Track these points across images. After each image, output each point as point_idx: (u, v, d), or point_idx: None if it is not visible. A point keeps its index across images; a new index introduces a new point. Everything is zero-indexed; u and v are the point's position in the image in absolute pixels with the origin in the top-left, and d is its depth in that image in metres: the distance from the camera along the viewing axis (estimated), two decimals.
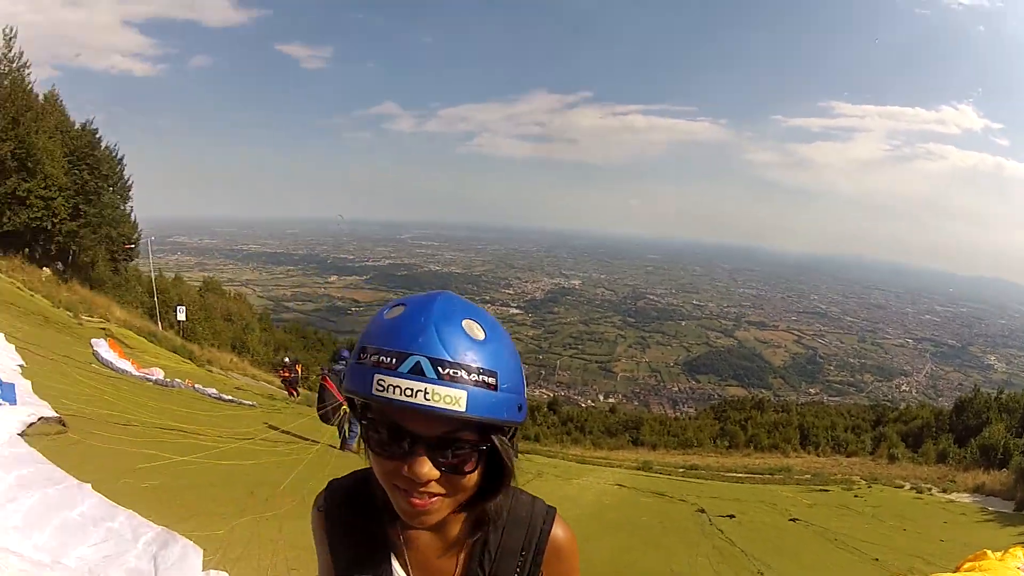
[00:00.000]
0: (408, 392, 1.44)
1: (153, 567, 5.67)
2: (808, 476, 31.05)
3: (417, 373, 1.45)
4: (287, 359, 37.57)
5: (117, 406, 13.72)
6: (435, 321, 1.51)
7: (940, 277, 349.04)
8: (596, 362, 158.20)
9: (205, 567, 6.04)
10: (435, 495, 1.57)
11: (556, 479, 17.50)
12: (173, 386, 21.39)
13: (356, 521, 1.87)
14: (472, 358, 1.50)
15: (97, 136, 47.81)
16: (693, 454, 45.70)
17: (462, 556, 1.86)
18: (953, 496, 25.16)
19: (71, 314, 29.90)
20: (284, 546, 7.66)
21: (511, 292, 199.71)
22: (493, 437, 1.57)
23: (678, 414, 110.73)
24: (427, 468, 1.51)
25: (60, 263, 45.09)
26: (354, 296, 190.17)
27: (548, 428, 59.99)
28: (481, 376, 1.49)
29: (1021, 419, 41.90)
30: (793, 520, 16.73)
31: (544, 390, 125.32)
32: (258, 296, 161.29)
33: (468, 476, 1.58)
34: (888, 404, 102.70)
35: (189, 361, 34.11)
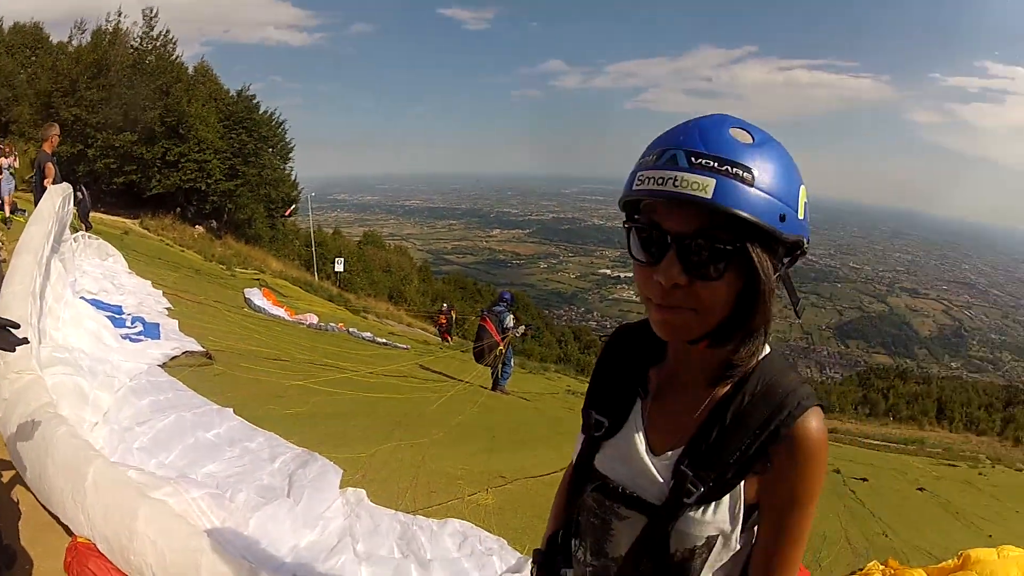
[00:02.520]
0: (659, 181, 1.44)
1: (287, 484, 5.68)
2: (939, 450, 31.26)
3: (671, 163, 1.44)
4: (445, 305, 38.76)
5: (268, 343, 14.09)
6: (702, 123, 1.50)
7: None
8: None
9: (343, 486, 5.99)
10: (680, 307, 1.52)
11: None
12: (328, 329, 21.85)
13: (623, 359, 1.89)
14: (728, 152, 1.45)
15: (254, 101, 50.38)
16: (834, 418, 46.28)
17: (701, 418, 1.72)
18: None
19: (224, 266, 31.03)
20: (426, 472, 7.72)
21: None
22: (748, 244, 1.47)
23: (824, 378, 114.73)
24: (675, 270, 1.47)
25: (214, 221, 47.24)
26: (516, 249, 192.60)
27: None
28: (735, 169, 1.43)
29: None
30: (920, 490, 16.94)
31: None
32: (418, 249, 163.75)
33: (716, 286, 1.50)
34: (1021, 386, 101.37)
35: (344, 309, 34.95)
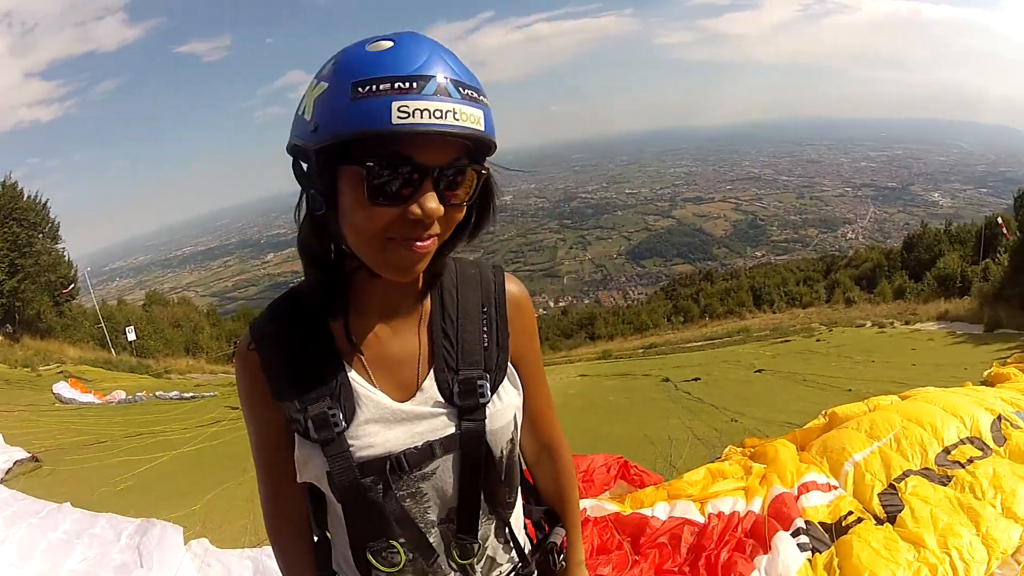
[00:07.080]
0: (437, 114, 1.32)
1: (138, 556, 5.87)
2: (767, 332, 32.41)
3: (443, 94, 1.33)
4: (236, 342, 38.34)
5: (85, 431, 14.36)
6: (437, 47, 1.39)
7: (871, 125, 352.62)
8: (540, 271, 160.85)
9: (186, 540, 6.13)
10: (433, 236, 1.46)
11: None
12: (136, 400, 22.09)
13: (294, 342, 1.63)
14: (474, 80, 1.41)
15: (18, 189, 48.49)
16: (651, 335, 46.70)
17: (422, 332, 1.68)
18: (917, 327, 26.45)
19: (29, 369, 30.18)
20: (259, 504, 8.03)
21: None
22: (487, 164, 1.50)
23: (630, 302, 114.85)
24: (435, 203, 1.39)
25: (8, 325, 45.32)
26: (294, 268, 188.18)
27: None
28: (484, 98, 1.41)
29: (974, 247, 43.97)
30: (759, 371, 17.24)
31: None
32: (201, 296, 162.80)
33: (463, 210, 1.50)
34: (836, 253, 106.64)
35: (148, 376, 34.99)
